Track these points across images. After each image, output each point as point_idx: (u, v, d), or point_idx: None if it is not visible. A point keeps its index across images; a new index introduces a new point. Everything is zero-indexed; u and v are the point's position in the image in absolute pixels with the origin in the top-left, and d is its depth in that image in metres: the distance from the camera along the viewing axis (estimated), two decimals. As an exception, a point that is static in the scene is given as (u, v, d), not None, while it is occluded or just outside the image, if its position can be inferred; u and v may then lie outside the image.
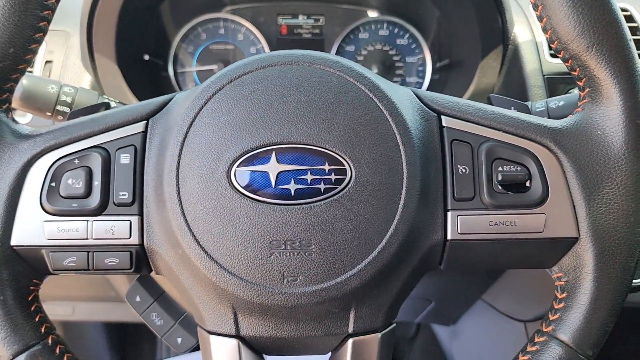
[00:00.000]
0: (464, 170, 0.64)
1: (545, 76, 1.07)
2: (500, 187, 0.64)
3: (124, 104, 0.91)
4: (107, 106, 0.76)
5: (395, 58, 1.39)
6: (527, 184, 0.64)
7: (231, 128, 0.60)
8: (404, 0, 1.30)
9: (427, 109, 0.66)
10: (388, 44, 1.38)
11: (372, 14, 1.38)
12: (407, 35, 1.38)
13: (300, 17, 1.39)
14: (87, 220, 0.61)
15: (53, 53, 1.14)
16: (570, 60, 0.64)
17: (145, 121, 0.65)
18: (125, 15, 1.13)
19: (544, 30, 0.65)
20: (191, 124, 0.61)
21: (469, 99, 1.14)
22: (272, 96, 0.61)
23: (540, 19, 0.65)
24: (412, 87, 0.70)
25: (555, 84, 1.07)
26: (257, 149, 0.60)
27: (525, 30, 1.11)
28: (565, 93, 1.07)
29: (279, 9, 1.39)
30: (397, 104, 0.63)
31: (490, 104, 0.79)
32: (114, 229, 0.61)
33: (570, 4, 0.61)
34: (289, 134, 0.60)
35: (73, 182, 0.61)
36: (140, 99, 1.16)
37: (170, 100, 0.67)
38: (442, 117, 0.66)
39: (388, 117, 0.62)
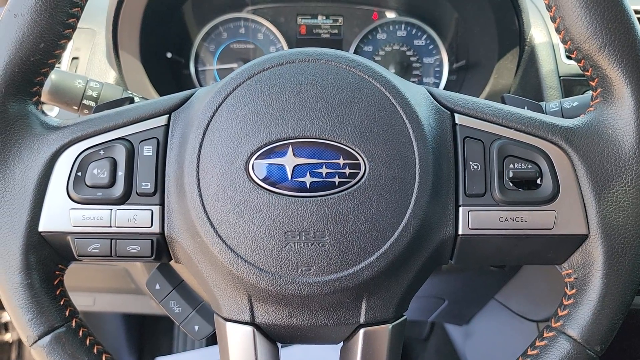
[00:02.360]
0: (475, 167, 0.65)
1: (561, 77, 1.08)
2: (511, 184, 0.65)
3: (147, 99, 0.94)
4: (131, 100, 0.79)
5: (413, 59, 1.40)
6: (538, 181, 0.65)
7: (250, 122, 0.63)
8: (422, 2, 1.31)
9: (440, 106, 0.68)
10: (406, 45, 1.39)
11: (390, 15, 1.40)
12: (424, 37, 1.39)
13: (319, 17, 1.41)
14: (111, 209, 0.63)
15: (79, 50, 1.18)
16: (583, 61, 0.65)
17: (168, 115, 0.67)
18: (149, 14, 1.16)
19: (558, 30, 0.66)
20: (211, 118, 0.64)
21: (485, 98, 1.16)
22: (290, 92, 0.63)
23: (553, 19, 0.66)
24: (425, 86, 0.72)
25: (571, 86, 1.08)
26: (274, 143, 0.62)
27: (542, 31, 1.12)
28: (582, 94, 1.08)
29: (298, 9, 1.41)
30: (410, 102, 0.64)
31: (504, 103, 0.80)
32: (136, 217, 0.64)
33: (584, 4, 0.62)
34: (305, 128, 0.62)
35: (98, 172, 0.64)
36: (162, 95, 1.19)
37: (191, 95, 0.69)
38: (455, 115, 0.67)
39: (402, 113, 0.64)
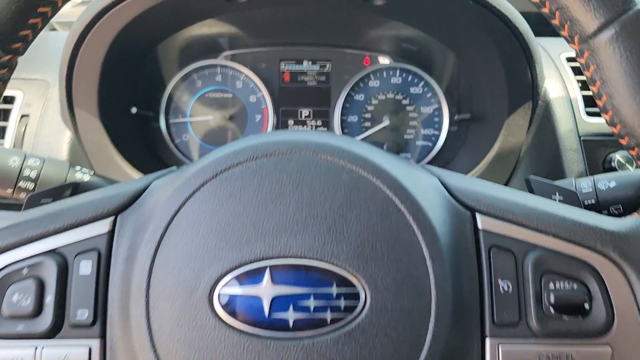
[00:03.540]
0: (506, 287, 0.51)
1: (582, 138, 0.94)
2: (552, 310, 0.50)
3: (101, 177, 0.79)
4: (74, 188, 0.64)
5: (409, 108, 1.27)
6: (587, 306, 0.51)
7: (215, 236, 0.48)
8: (418, 46, 1.18)
9: (458, 205, 0.53)
10: (401, 93, 1.26)
11: (384, 60, 1.27)
12: (421, 84, 1.26)
13: (305, 62, 1.28)
14: (36, 347, 0.48)
15: (30, 106, 1.03)
16: (637, 149, 0.52)
17: (113, 217, 0.53)
18: (110, 64, 1.02)
19: (603, 110, 0.52)
20: (167, 227, 0.49)
21: (493, 159, 1.02)
22: (267, 196, 0.48)
23: (598, 96, 0.52)
24: (439, 171, 0.57)
25: (593, 147, 0.95)
26: (246, 265, 0.47)
27: (558, 84, 0.99)
28: (606, 157, 0.94)
29: (281, 55, 1.28)
30: (422, 205, 0.50)
31: (529, 187, 0.66)
32: (69, 356, 0.49)
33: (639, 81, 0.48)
34: (287, 246, 0.48)
35: (20, 298, 0.49)
36: (126, 156, 1.04)
37: (144, 190, 0.55)
38: (478, 215, 0.53)
39: (411, 222, 0.49)
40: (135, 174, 1.02)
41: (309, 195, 0.48)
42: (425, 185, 0.53)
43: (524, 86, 0.97)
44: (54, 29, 1.51)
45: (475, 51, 1.03)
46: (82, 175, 0.76)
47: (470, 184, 0.56)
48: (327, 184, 0.48)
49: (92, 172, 0.78)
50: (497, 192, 0.55)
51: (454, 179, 0.56)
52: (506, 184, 1.06)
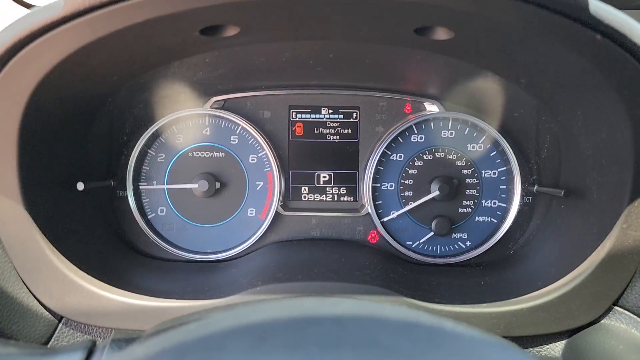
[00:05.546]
0: None
1: None
2: None
3: None
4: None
5: (466, 172, 0.93)
6: None
7: None
8: (483, 91, 0.84)
9: None
10: (454, 152, 0.92)
11: (431, 107, 0.93)
12: (482, 139, 0.93)
13: (324, 110, 0.95)
14: None
15: None
16: None
17: None
18: (33, 126, 0.69)
19: None
20: None
21: (604, 260, 0.70)
22: None
23: None
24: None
25: None
26: None
27: None
28: None
29: (291, 100, 0.95)
30: None
31: None
32: None
33: None
34: None
35: None
36: (70, 251, 0.74)
37: None
38: None
39: None
40: (81, 281, 0.72)
41: None
42: None
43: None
44: None
45: (580, 101, 0.71)
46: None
47: None
48: None
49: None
50: None
51: None
52: (620, 297, 0.72)
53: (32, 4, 1.04)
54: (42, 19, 0.54)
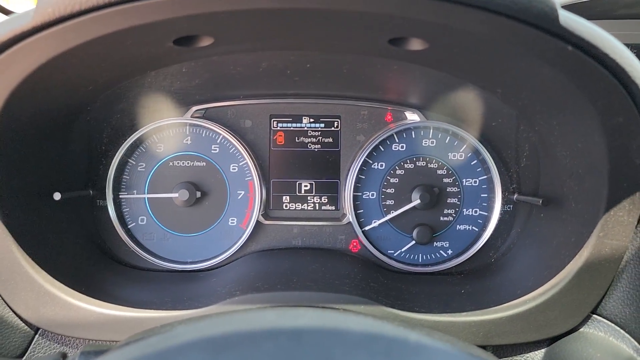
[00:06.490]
0: None
1: None
2: None
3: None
4: None
5: (446, 180, 0.93)
6: None
7: None
8: (461, 100, 0.84)
9: None
10: (436, 161, 0.92)
11: (412, 116, 0.93)
12: (463, 147, 0.93)
13: (305, 119, 0.95)
14: None
15: None
16: None
17: None
18: (6, 135, 0.68)
19: None
20: None
21: (582, 268, 0.70)
22: None
23: None
24: None
25: None
26: None
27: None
28: None
29: (272, 109, 0.95)
30: None
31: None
32: None
33: None
34: None
35: None
36: (47, 262, 0.73)
37: None
38: None
39: None
40: (58, 292, 0.72)
41: None
42: None
43: (634, 171, 0.63)
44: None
45: (556, 111, 0.72)
46: None
47: None
48: None
49: None
50: None
51: None
52: (598, 305, 0.72)
53: (11, 10, 1.03)
54: (11, 29, 0.54)
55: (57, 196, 0.78)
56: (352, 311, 0.69)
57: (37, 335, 0.73)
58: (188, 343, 0.33)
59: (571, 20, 0.55)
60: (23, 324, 0.72)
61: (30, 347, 0.73)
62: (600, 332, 0.73)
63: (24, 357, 0.73)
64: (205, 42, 0.61)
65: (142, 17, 0.51)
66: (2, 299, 0.71)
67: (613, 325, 0.72)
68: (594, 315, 0.74)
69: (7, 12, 1.05)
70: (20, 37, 0.54)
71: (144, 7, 0.50)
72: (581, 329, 0.74)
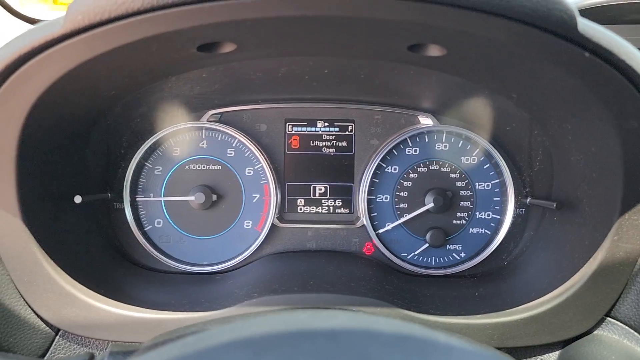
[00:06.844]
0: None
1: None
2: None
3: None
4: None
5: (459, 184, 0.94)
6: None
7: None
8: (476, 105, 0.85)
9: None
10: (449, 164, 0.93)
11: (426, 120, 0.94)
12: (476, 151, 0.94)
13: (320, 124, 0.96)
14: None
15: None
16: None
17: None
18: (31, 141, 0.70)
19: None
20: None
21: (596, 271, 0.71)
22: None
23: None
24: None
25: None
26: None
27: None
28: None
29: (287, 113, 0.96)
30: None
31: None
32: None
33: None
34: None
35: None
36: (66, 263, 0.74)
37: None
38: None
39: None
40: (78, 293, 0.73)
41: None
42: None
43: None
44: None
45: (570, 116, 0.73)
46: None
47: None
48: None
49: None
50: None
51: None
52: (612, 308, 0.73)
53: (38, 18, 1.04)
54: (42, 36, 0.55)
55: (78, 199, 0.79)
56: (376, 314, 0.70)
57: (57, 336, 0.74)
58: (229, 344, 0.34)
59: (589, 28, 0.56)
60: (44, 325, 0.73)
61: (52, 347, 0.74)
62: (614, 334, 0.74)
63: (45, 357, 0.74)
64: (228, 48, 0.62)
65: (170, 24, 0.53)
66: (24, 300, 0.72)
67: (627, 328, 0.73)
68: (608, 318, 0.74)
69: (32, 21, 1.06)
70: (50, 43, 0.55)
71: (172, 15, 0.51)
72: (595, 332, 0.74)
